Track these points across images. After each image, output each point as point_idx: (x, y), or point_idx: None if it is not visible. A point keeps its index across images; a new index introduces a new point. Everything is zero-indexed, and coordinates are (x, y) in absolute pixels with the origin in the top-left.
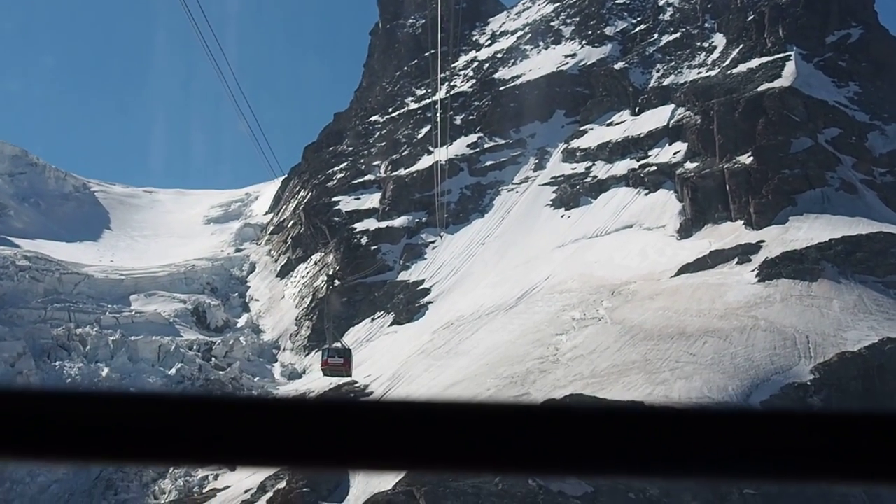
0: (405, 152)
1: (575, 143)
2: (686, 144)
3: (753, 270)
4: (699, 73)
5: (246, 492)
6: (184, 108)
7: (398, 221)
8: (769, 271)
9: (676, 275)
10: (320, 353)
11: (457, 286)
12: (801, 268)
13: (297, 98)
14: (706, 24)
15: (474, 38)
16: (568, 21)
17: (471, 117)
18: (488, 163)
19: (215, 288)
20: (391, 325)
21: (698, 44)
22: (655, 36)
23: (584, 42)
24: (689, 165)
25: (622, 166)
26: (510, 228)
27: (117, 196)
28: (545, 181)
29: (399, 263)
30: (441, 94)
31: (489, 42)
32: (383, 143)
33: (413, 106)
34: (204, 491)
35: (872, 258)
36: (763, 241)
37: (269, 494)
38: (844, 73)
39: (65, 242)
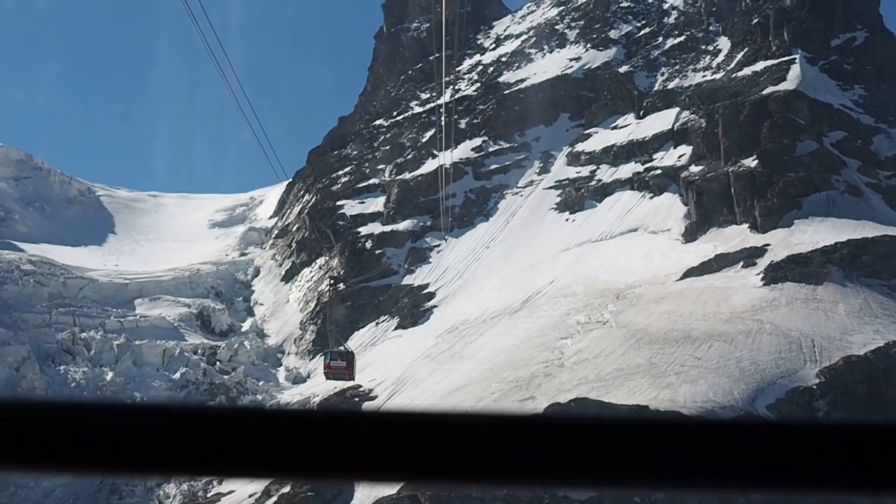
0: (410, 156)
1: (579, 147)
2: (691, 148)
3: (759, 274)
4: (704, 76)
5: (250, 496)
6: (188, 112)
7: (403, 225)
8: (774, 275)
9: (681, 278)
10: (323, 356)
11: (461, 290)
12: (807, 271)
13: (302, 102)
14: (711, 28)
15: (479, 42)
16: (572, 24)
17: (475, 121)
18: (493, 167)
19: (220, 292)
20: (395, 329)
21: (703, 47)
22: (660, 39)
23: (588, 45)
24: (693, 169)
25: (627, 170)
26: (515, 232)
27: (122, 200)
28: (550, 185)
29: (403, 267)
30: (445, 97)
31: (494, 46)
32: (388, 147)
33: (418, 110)
34: (208, 495)
35: (878, 262)
36: (768, 245)
37: (274, 499)
38: (849, 76)
39: (69, 247)
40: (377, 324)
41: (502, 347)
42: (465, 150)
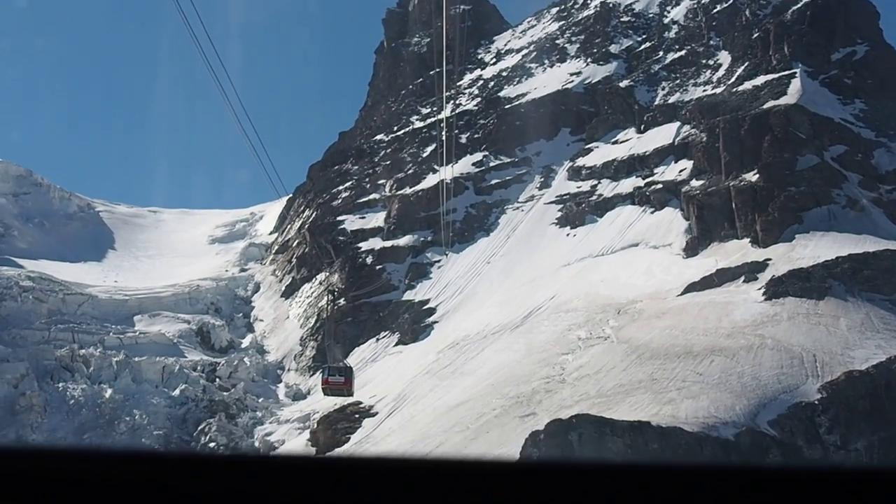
0: (410, 171)
1: (580, 162)
2: (692, 162)
3: (760, 289)
4: (705, 90)
5: None
6: (189, 127)
7: (403, 241)
8: (776, 289)
9: (683, 293)
10: (321, 372)
11: (462, 305)
12: (808, 286)
13: (302, 117)
14: (711, 42)
15: (479, 57)
16: (573, 39)
17: (476, 136)
18: (494, 181)
19: (219, 308)
20: (396, 344)
21: (703, 61)
22: (661, 54)
23: (589, 60)
24: (694, 183)
25: (628, 184)
26: (515, 247)
27: (122, 216)
28: (551, 200)
29: (404, 283)
30: (446, 112)
31: (494, 60)
32: (388, 162)
33: (418, 125)
34: None
35: (879, 276)
36: (769, 259)
37: None
38: (850, 90)
39: (69, 263)
40: (378, 340)
41: (503, 363)
42: (465, 164)
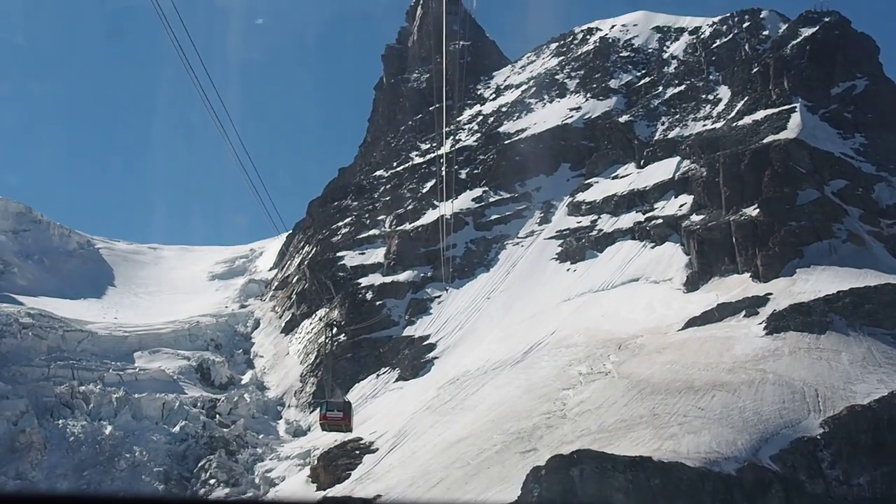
0: (410, 207)
1: (580, 197)
2: (692, 197)
3: (761, 323)
4: (704, 125)
5: None
6: (188, 164)
7: (403, 276)
8: (777, 324)
9: (683, 328)
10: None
11: (462, 341)
12: (809, 320)
13: (302, 153)
14: (711, 77)
15: (479, 92)
16: (572, 74)
17: (476, 171)
18: (493, 217)
19: (219, 344)
20: (396, 380)
21: (703, 96)
22: (660, 89)
23: (588, 95)
24: (695, 218)
25: (628, 219)
26: (516, 283)
27: (121, 253)
28: (551, 235)
29: (404, 318)
30: (446, 148)
31: (494, 96)
32: (388, 198)
33: (418, 160)
34: None
35: (881, 310)
36: (770, 294)
37: None
38: (850, 124)
39: (69, 299)
40: (378, 376)
41: (504, 399)
42: (465, 200)
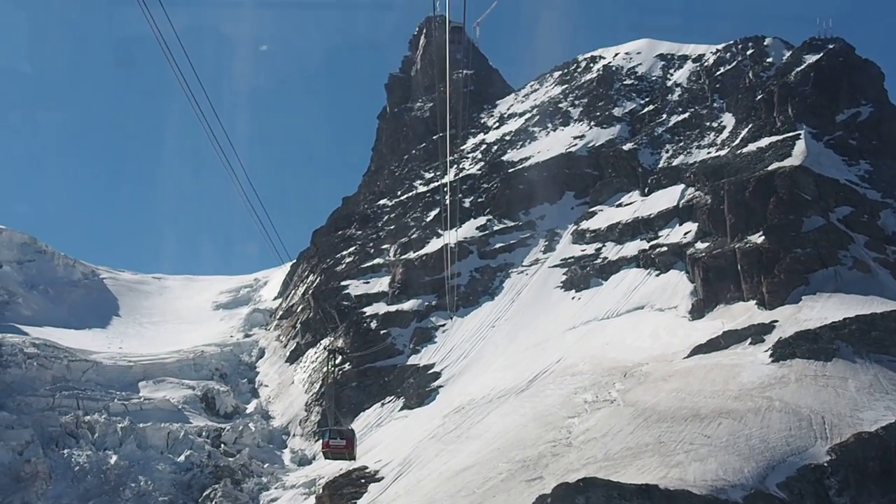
0: (414, 235)
1: (584, 225)
2: (696, 224)
3: (767, 351)
4: (709, 152)
5: None
6: (192, 195)
7: (408, 305)
8: (783, 351)
9: (689, 356)
10: (321, 435)
11: (467, 370)
12: (816, 347)
13: (306, 183)
14: (715, 104)
15: (482, 121)
16: (576, 103)
17: (480, 200)
18: (498, 245)
19: (224, 374)
20: (401, 409)
21: (707, 124)
22: (664, 116)
23: (592, 123)
24: (699, 245)
25: (632, 247)
26: (520, 311)
27: (126, 283)
28: (555, 263)
29: (409, 347)
30: (450, 176)
31: (497, 124)
32: (392, 227)
33: (421, 189)
34: None
35: (888, 337)
36: (776, 321)
37: None
38: (855, 151)
39: (73, 329)
40: (383, 404)
41: (509, 427)
42: (469, 229)
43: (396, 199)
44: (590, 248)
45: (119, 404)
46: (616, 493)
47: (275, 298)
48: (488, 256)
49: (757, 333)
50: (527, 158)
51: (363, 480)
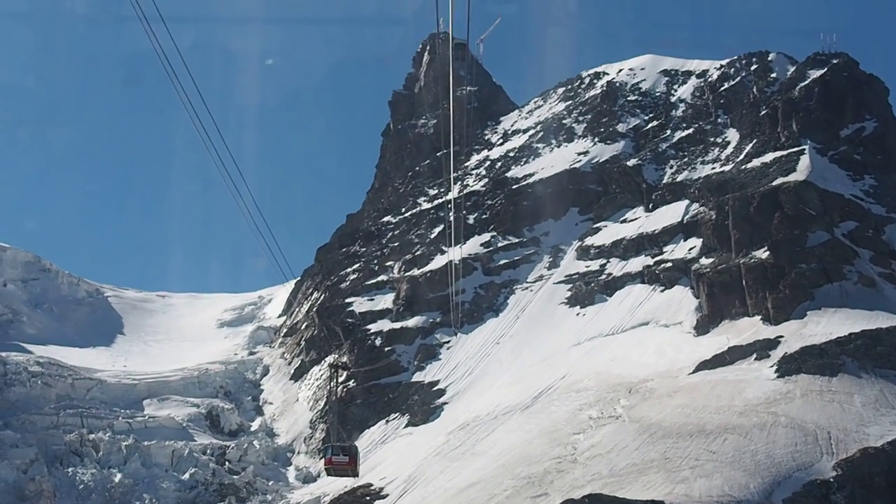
0: (418, 252)
1: (589, 241)
2: (701, 240)
3: (772, 366)
4: (713, 168)
5: None
6: (196, 213)
7: (412, 322)
8: (788, 367)
9: (694, 371)
10: (323, 451)
11: (472, 386)
12: (821, 363)
13: (310, 200)
14: (719, 120)
15: (486, 138)
16: (580, 119)
17: (484, 216)
18: (502, 262)
19: (229, 391)
20: (406, 426)
21: (711, 139)
22: (668, 132)
23: (596, 139)
24: (704, 261)
25: (637, 263)
26: (525, 327)
27: (130, 301)
28: (560, 279)
29: (413, 364)
30: (454, 193)
31: (501, 141)
32: (396, 244)
33: (426, 206)
34: None
35: (893, 352)
36: (781, 337)
37: None
38: (860, 166)
39: (77, 348)
40: (387, 421)
41: (514, 443)
42: (473, 245)
43: (401, 216)
44: (594, 264)
45: (123, 422)
46: None
47: (279, 316)
48: (493, 273)
49: (762, 349)
50: (531, 175)
51: (368, 498)
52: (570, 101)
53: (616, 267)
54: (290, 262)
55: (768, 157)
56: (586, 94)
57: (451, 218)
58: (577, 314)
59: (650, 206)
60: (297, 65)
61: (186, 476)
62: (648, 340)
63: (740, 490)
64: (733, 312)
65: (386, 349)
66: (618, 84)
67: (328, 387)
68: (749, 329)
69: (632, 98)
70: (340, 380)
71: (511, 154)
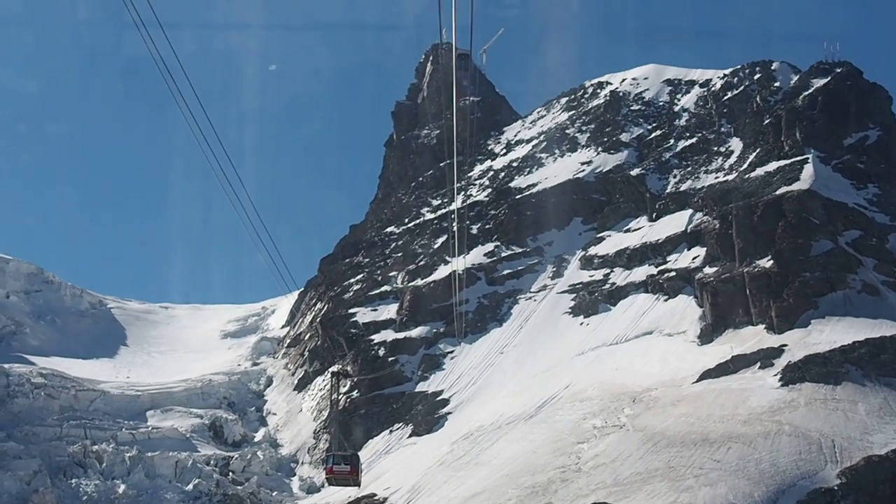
0: (422, 263)
1: (593, 251)
2: (705, 249)
3: (776, 375)
4: (716, 177)
5: None
6: (199, 224)
7: (416, 332)
8: (792, 375)
9: (698, 380)
10: (324, 460)
11: (476, 396)
12: (825, 371)
13: (313, 210)
14: (722, 129)
15: (489, 148)
16: (583, 128)
17: (487, 226)
18: (506, 272)
19: (232, 402)
20: (410, 436)
21: (715, 148)
22: (671, 141)
23: (599, 149)
24: (708, 270)
25: (641, 273)
26: (529, 337)
27: (133, 312)
28: (563, 289)
29: (417, 374)
30: (457, 203)
31: (504, 151)
32: (400, 254)
33: (429, 216)
34: None
35: None
36: (785, 345)
37: None
38: (863, 174)
39: (81, 359)
40: (391, 431)
41: (518, 453)
42: (477, 255)
43: (404, 227)
44: (598, 274)
45: (127, 433)
46: None
47: (282, 327)
48: (496, 283)
49: (766, 357)
50: (534, 185)
51: None
52: (573, 111)
53: (620, 276)
54: (294, 273)
55: (772, 167)
56: (589, 103)
57: (455, 228)
58: (581, 324)
59: (654, 216)
60: (298, 72)
61: (190, 487)
62: (652, 350)
63: (745, 499)
64: (737, 321)
65: (389, 359)
66: (621, 94)
67: (332, 398)
68: (753, 338)
69: (635, 107)
70: (343, 390)
71: (514, 164)
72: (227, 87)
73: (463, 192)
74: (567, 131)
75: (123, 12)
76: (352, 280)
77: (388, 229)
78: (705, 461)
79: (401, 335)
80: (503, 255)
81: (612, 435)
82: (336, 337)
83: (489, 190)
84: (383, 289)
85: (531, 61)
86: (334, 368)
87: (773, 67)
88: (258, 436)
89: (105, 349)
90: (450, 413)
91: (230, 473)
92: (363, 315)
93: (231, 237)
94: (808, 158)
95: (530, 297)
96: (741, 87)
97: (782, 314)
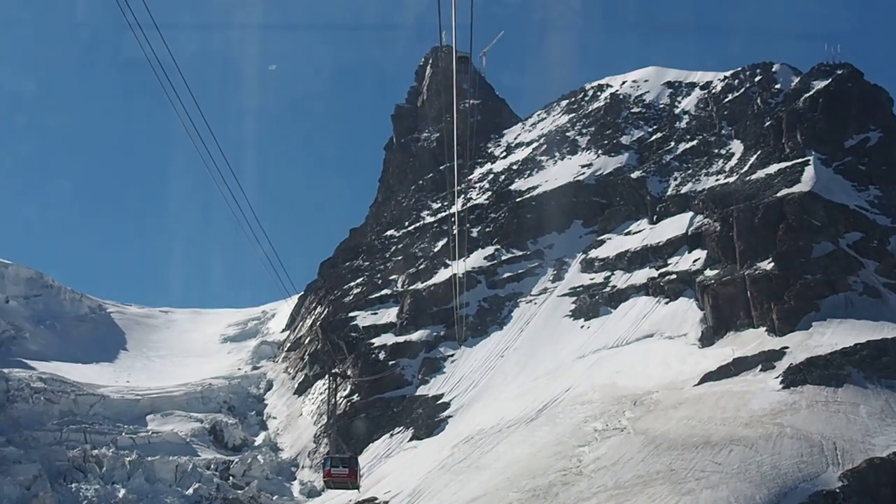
0: (422, 266)
1: (593, 254)
2: (706, 252)
3: (778, 377)
4: (717, 179)
5: None
6: (199, 228)
7: (416, 335)
8: (794, 378)
9: (699, 383)
10: (322, 463)
11: (476, 399)
12: (827, 373)
13: (313, 214)
14: (723, 132)
15: (489, 151)
16: (584, 131)
17: (488, 229)
18: (506, 275)
19: (232, 406)
20: (410, 440)
21: (716, 151)
22: (672, 144)
23: (600, 152)
24: (709, 273)
25: (641, 275)
26: (529, 340)
27: (133, 317)
28: (564, 292)
29: (418, 378)
30: (457, 206)
31: (504, 154)
32: (400, 258)
33: (429, 219)
34: None
35: None
36: (787, 348)
37: None
38: (864, 176)
39: (81, 364)
40: (392, 435)
41: (519, 456)
42: (477, 258)
43: (404, 230)
44: (599, 277)
45: (127, 438)
46: None
47: (283, 330)
48: (497, 286)
49: (767, 360)
50: (535, 187)
51: None
52: (573, 114)
53: (620, 279)
54: (293, 277)
55: (773, 169)
56: (590, 106)
57: (455, 231)
58: (582, 327)
59: (654, 218)
60: (298, 72)
61: (190, 491)
62: (653, 352)
63: (746, 501)
64: (738, 324)
65: (390, 363)
66: (621, 96)
67: (330, 399)
68: (754, 340)
69: (635, 110)
70: (344, 393)
71: (515, 167)
72: (227, 87)
73: (463, 195)
74: (567, 134)
75: (123, 12)
76: (352, 283)
77: (388, 232)
78: (707, 464)
79: (401, 338)
80: (503, 258)
81: (614, 438)
82: (336, 340)
83: (489, 193)
84: (383, 292)
85: (531, 64)
86: (333, 370)
87: (773, 69)
88: (258, 440)
89: (105, 353)
90: (450, 416)
91: (230, 477)
92: (363, 318)
93: (231, 241)
94: (809, 160)
95: (531, 300)
96: (742, 89)
97: (783, 316)
